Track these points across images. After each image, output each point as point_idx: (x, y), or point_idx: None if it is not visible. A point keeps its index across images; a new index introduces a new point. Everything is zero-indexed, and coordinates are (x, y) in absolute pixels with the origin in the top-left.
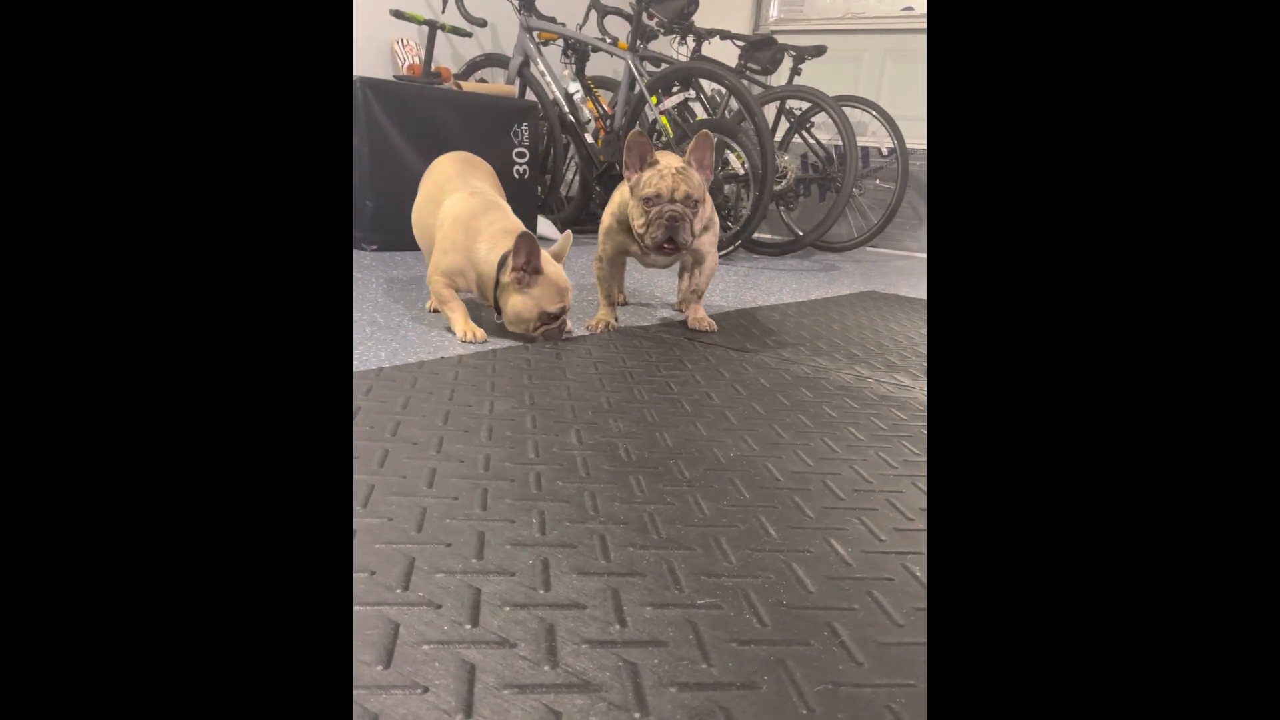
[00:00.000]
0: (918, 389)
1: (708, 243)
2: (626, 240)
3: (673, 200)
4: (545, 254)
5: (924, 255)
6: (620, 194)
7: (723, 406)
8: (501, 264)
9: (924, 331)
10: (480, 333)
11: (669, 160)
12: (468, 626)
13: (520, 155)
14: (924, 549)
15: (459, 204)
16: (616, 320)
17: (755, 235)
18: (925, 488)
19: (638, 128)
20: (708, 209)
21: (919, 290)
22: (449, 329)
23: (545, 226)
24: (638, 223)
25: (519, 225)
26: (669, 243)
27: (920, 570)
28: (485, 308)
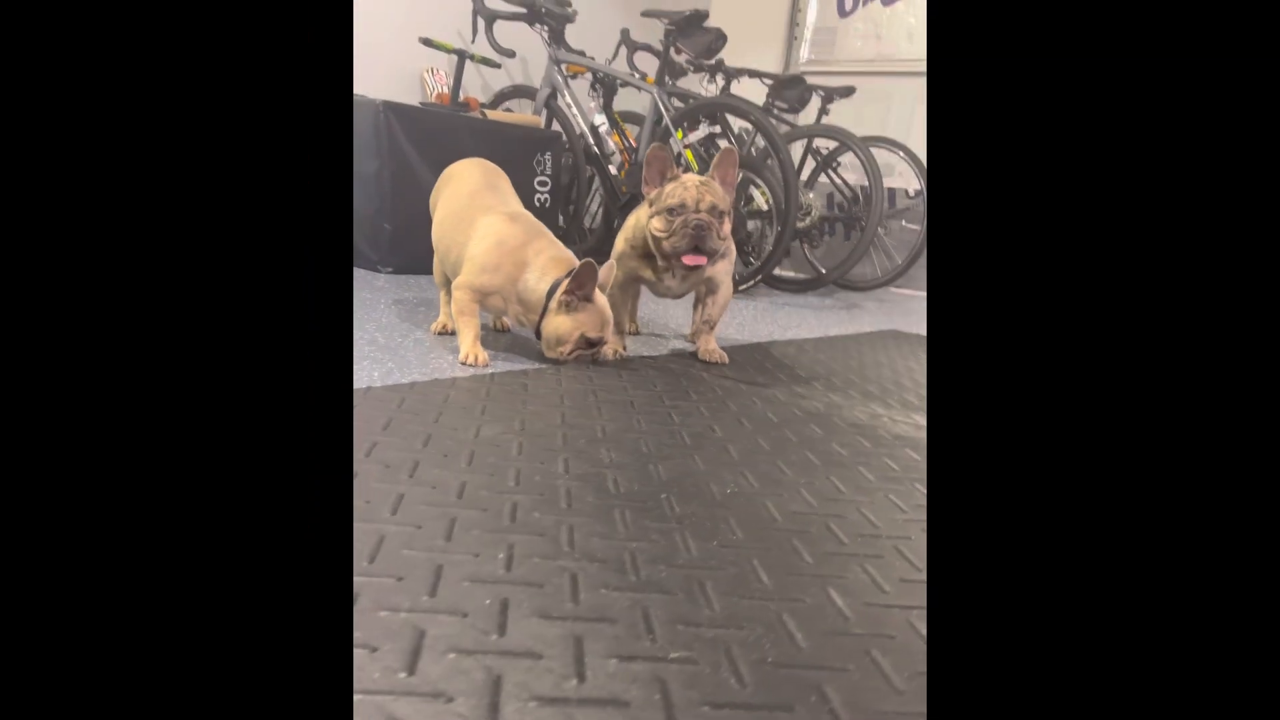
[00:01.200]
0: None
1: (722, 271)
2: (639, 266)
3: (698, 210)
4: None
5: None
6: (635, 218)
7: (725, 440)
8: (551, 291)
9: None
10: (483, 357)
11: (692, 176)
12: (402, 675)
13: (542, 184)
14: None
15: (501, 228)
16: (625, 349)
17: (778, 272)
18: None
19: (659, 143)
20: (726, 232)
21: None
22: (458, 345)
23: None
24: (660, 233)
25: (568, 253)
26: (695, 251)
27: (924, 628)
28: (496, 332)
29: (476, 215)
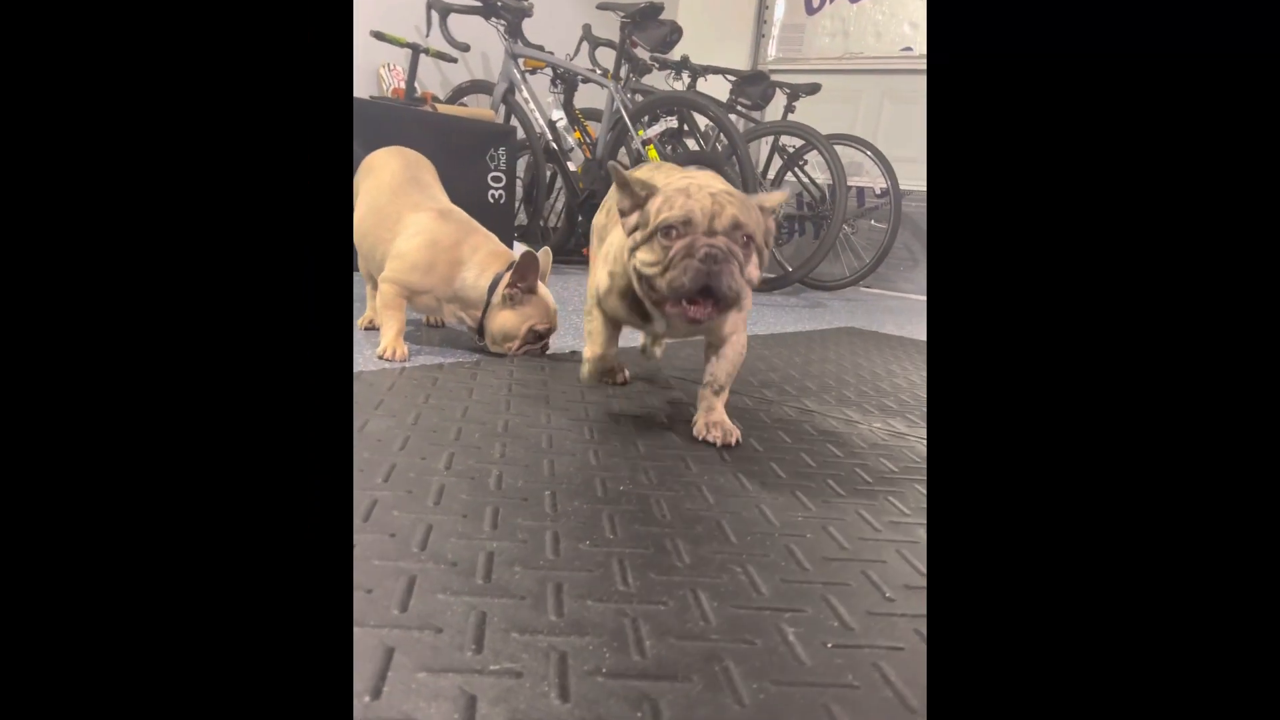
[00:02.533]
0: (866, 425)
1: (736, 319)
2: (619, 307)
3: (712, 230)
4: None
5: (915, 296)
6: (616, 237)
7: (635, 435)
8: (493, 286)
9: (893, 368)
10: (403, 351)
11: (702, 177)
12: None
13: (496, 180)
14: (805, 607)
15: (433, 227)
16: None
17: None
18: (839, 532)
19: (615, 161)
20: (755, 272)
21: (903, 329)
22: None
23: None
24: (650, 267)
25: (504, 247)
26: (703, 295)
27: (794, 633)
28: (429, 328)
29: (403, 212)
